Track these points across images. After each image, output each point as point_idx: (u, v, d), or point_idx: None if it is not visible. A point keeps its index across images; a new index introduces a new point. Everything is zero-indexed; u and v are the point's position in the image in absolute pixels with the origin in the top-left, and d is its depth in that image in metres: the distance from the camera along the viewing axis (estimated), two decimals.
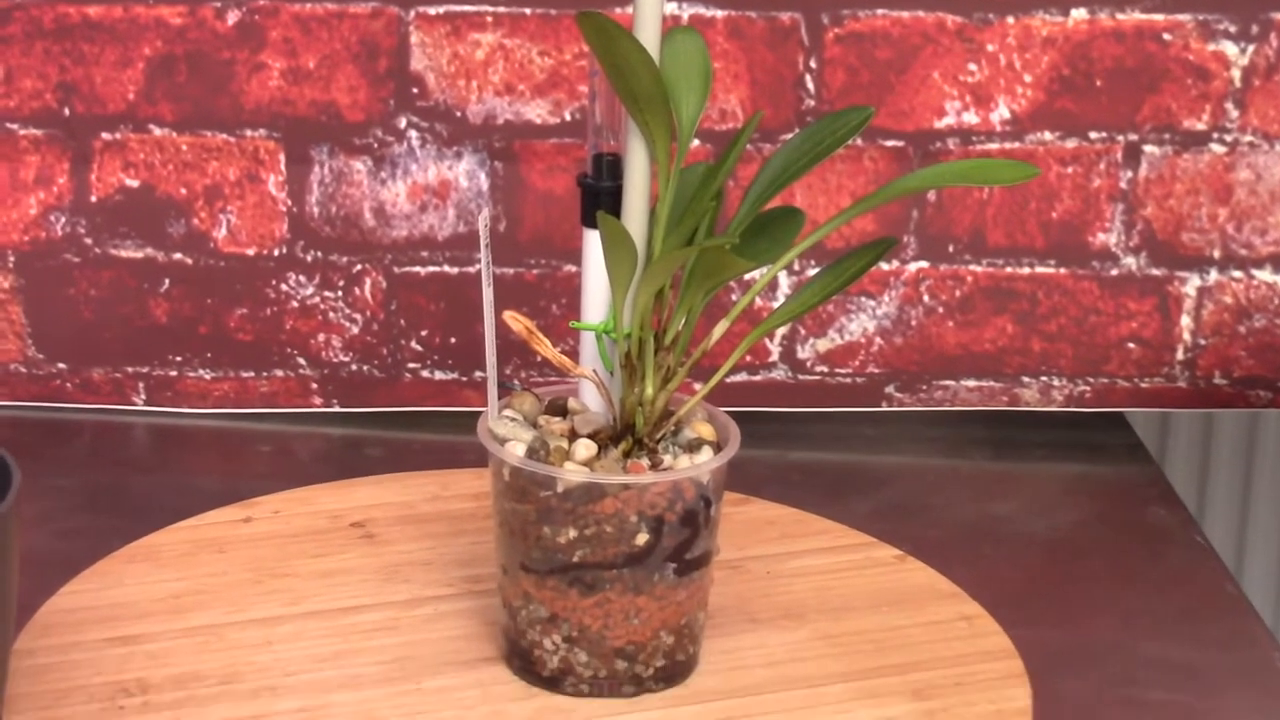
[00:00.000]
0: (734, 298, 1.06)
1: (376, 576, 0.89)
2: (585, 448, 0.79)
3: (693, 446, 0.80)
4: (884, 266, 1.06)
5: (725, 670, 0.83)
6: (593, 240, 0.81)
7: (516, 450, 0.78)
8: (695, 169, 0.82)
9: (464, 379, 1.07)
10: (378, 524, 0.94)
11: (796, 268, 1.07)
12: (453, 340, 1.07)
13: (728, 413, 0.83)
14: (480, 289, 0.81)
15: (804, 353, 1.07)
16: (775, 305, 1.07)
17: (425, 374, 1.07)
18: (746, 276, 1.04)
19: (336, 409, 1.08)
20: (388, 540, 0.93)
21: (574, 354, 0.84)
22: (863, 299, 1.07)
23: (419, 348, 1.07)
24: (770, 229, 0.81)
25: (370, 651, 0.84)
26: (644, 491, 0.77)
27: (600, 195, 0.81)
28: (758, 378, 1.08)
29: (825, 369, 1.08)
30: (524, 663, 0.81)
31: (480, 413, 0.81)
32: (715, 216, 0.81)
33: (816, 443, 1.07)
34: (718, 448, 0.81)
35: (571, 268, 1.06)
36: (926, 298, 1.06)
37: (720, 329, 0.81)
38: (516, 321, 0.79)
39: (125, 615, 0.86)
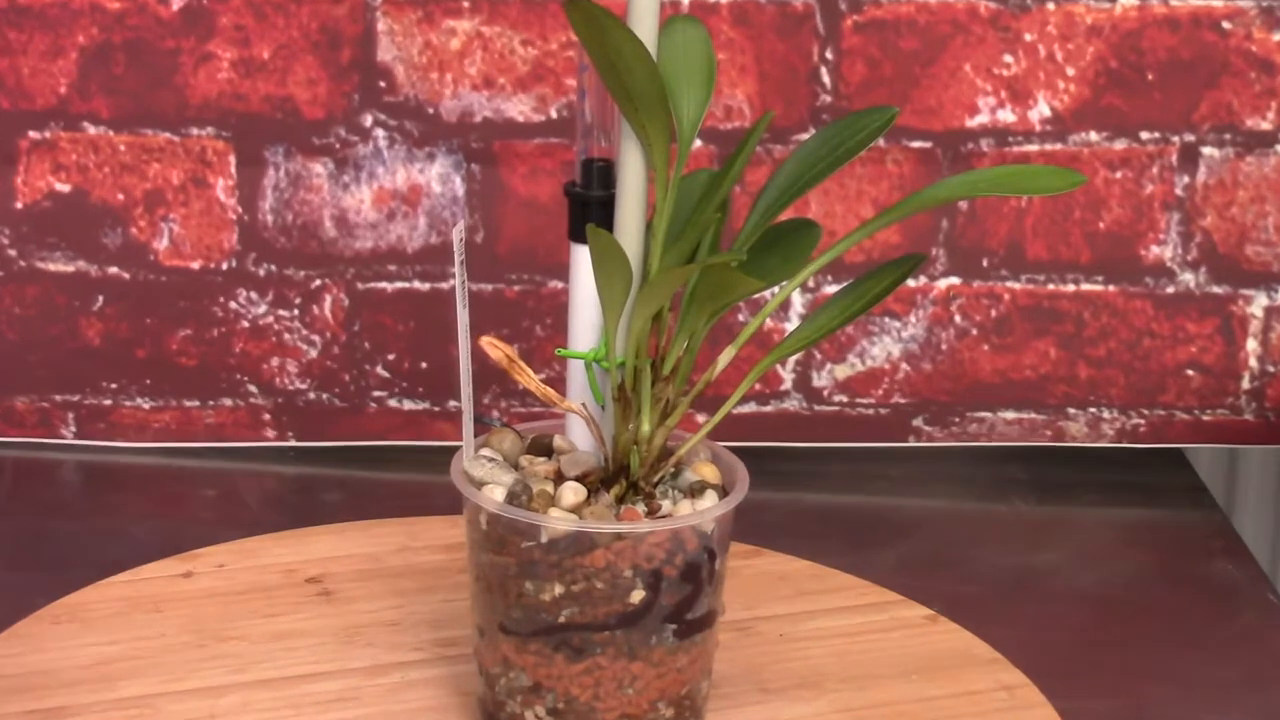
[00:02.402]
0: (742, 320, 1.06)
1: (335, 639, 0.89)
2: (573, 492, 0.78)
3: (695, 490, 0.80)
4: (910, 284, 1.06)
5: None
6: (581, 256, 0.80)
7: (495, 495, 0.78)
8: (697, 176, 0.82)
9: (436, 409, 1.07)
10: (337, 579, 0.94)
11: (812, 286, 1.06)
12: (423, 365, 1.07)
13: (734, 450, 0.82)
14: (454, 308, 0.79)
15: (821, 381, 1.08)
16: (788, 328, 1.07)
17: (392, 403, 1.07)
18: (756, 297, 1.04)
19: (292, 443, 1.08)
20: (348, 598, 0.92)
21: (560, 384, 0.83)
22: (887, 320, 1.07)
23: (385, 374, 1.07)
24: (782, 243, 0.81)
25: None
26: (639, 542, 0.76)
27: (590, 205, 0.81)
28: (768, 409, 1.08)
29: (845, 399, 1.08)
30: None
31: (454, 450, 0.81)
32: (720, 229, 0.80)
33: (835, 484, 1.07)
34: (723, 491, 0.80)
35: (557, 284, 1.05)
36: (958, 318, 1.07)
37: (726, 356, 0.80)
38: (495, 348, 0.79)
39: (49, 684, 0.84)
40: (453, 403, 1.07)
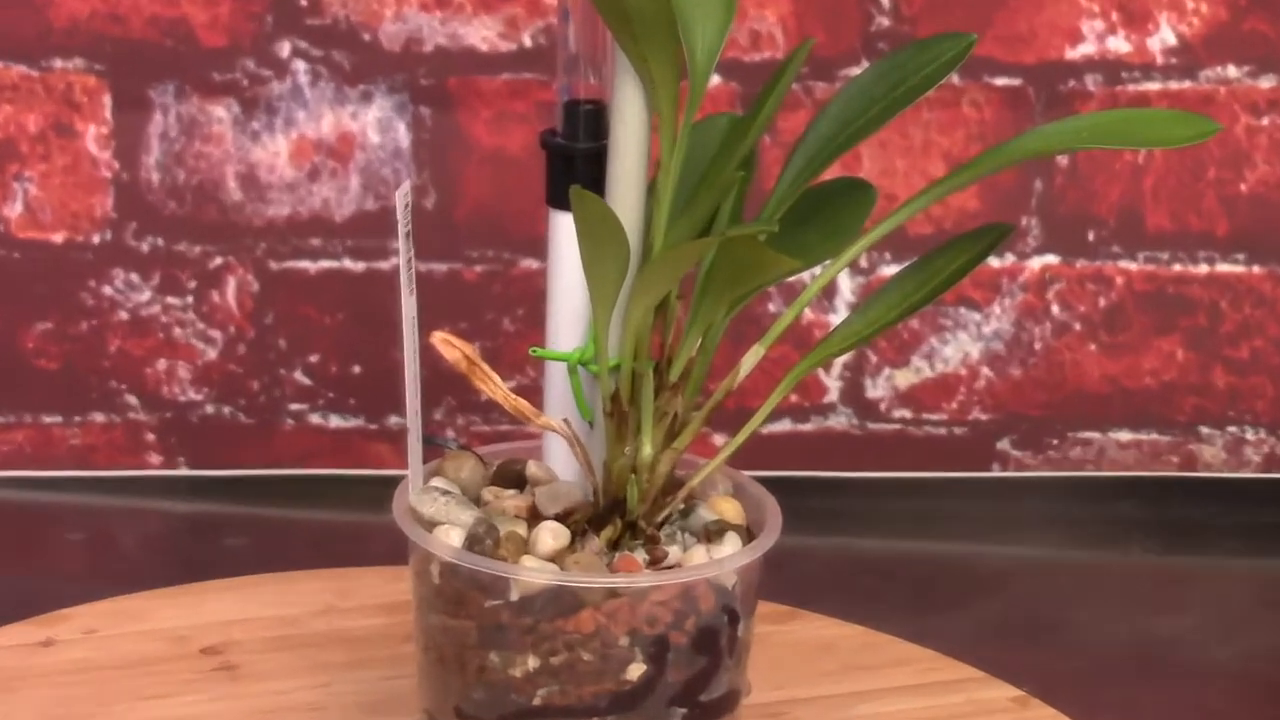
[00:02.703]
0: (773, 311, 1.06)
1: None
2: (552, 535, 0.78)
3: (712, 533, 0.80)
4: (993, 263, 1.07)
5: None
6: (563, 227, 0.80)
7: (450, 538, 0.78)
8: (715, 122, 0.82)
9: (372, 427, 1.08)
10: (242, 649, 0.94)
11: (864, 266, 1.07)
12: (356, 370, 1.08)
13: (763, 481, 0.82)
14: (397, 295, 0.79)
15: (876, 390, 1.08)
16: (834, 322, 1.07)
17: (315, 420, 1.08)
18: (791, 281, 1.04)
19: (184, 472, 1.09)
20: (257, 674, 0.92)
21: (535, 395, 0.83)
22: (962, 311, 1.08)
23: (306, 380, 1.08)
24: (826, 210, 0.82)
25: None
26: (639, 600, 0.76)
27: (575, 160, 0.81)
28: (808, 427, 1.09)
29: (908, 414, 1.09)
30: None
31: (397, 480, 0.81)
32: (745, 192, 0.80)
33: (896, 525, 1.07)
34: (749, 534, 0.80)
35: (531, 264, 1.06)
36: (1056, 308, 1.07)
37: (752, 358, 0.80)
38: (450, 346, 0.78)
39: None
40: (394, 419, 1.08)
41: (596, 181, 0.79)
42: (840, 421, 1.09)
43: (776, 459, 1.08)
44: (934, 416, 1.09)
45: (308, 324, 1.07)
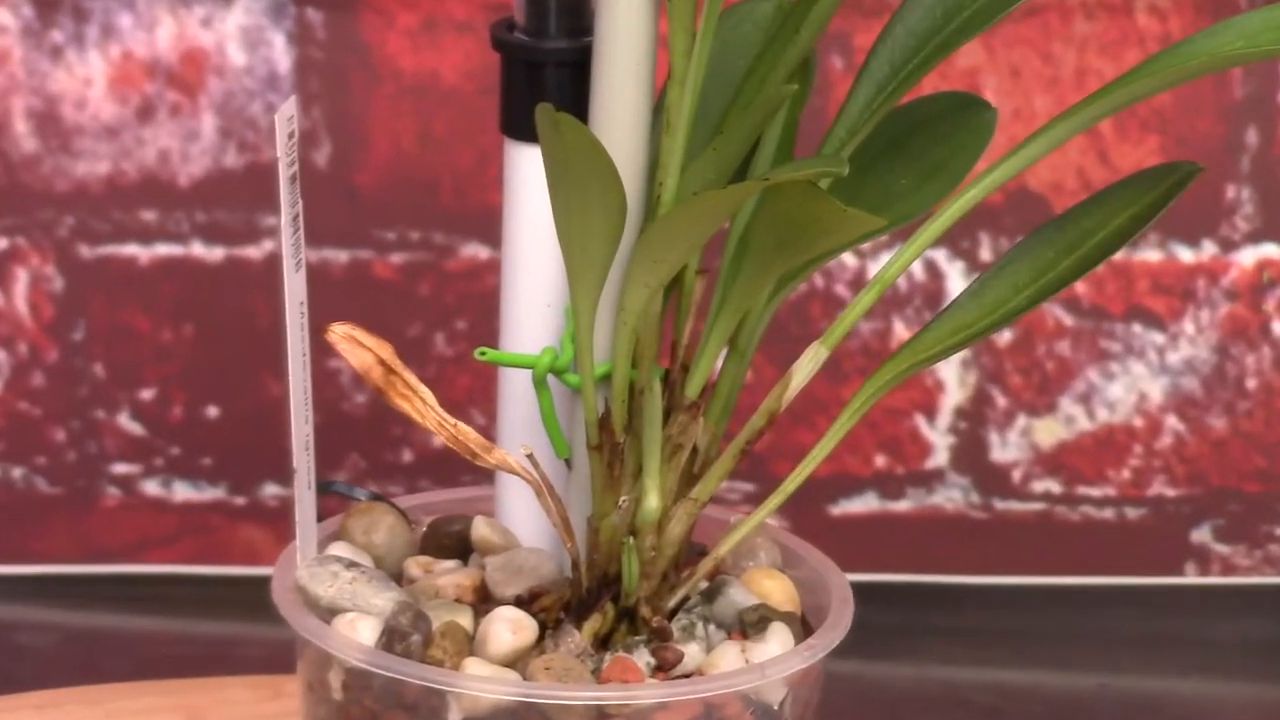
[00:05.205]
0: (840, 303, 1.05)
1: None
2: (511, 628, 0.80)
3: (749, 624, 0.82)
4: (1185, 258, 1.08)
5: None
6: (525, 167, 0.83)
7: (359, 632, 0.80)
8: (753, 11, 0.84)
9: (238, 501, 1.10)
10: None
11: (986, 257, 1.08)
12: (211, 412, 1.09)
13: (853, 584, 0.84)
14: (277, 286, 0.81)
15: (1005, 450, 1.10)
16: (927, 316, 1.06)
17: (151, 489, 1.10)
18: (868, 253, 1.05)
19: None
20: None
21: (490, 433, 0.84)
22: (1136, 329, 1.09)
23: (136, 429, 1.09)
24: (920, 143, 0.83)
25: None
26: None
27: (543, 68, 0.83)
28: (903, 506, 1.10)
29: (1055, 488, 1.10)
30: None
31: (283, 558, 0.82)
32: (799, 117, 0.82)
33: (1032, 650, 1.08)
34: (804, 627, 0.82)
35: (479, 252, 1.08)
36: None
37: (811, 362, 0.81)
38: (357, 346, 0.80)
39: None
40: (272, 489, 1.10)
41: (576, 99, 0.81)
42: (953, 498, 1.10)
43: (855, 554, 1.06)
44: (1095, 492, 1.10)
45: (138, 341, 1.08)
